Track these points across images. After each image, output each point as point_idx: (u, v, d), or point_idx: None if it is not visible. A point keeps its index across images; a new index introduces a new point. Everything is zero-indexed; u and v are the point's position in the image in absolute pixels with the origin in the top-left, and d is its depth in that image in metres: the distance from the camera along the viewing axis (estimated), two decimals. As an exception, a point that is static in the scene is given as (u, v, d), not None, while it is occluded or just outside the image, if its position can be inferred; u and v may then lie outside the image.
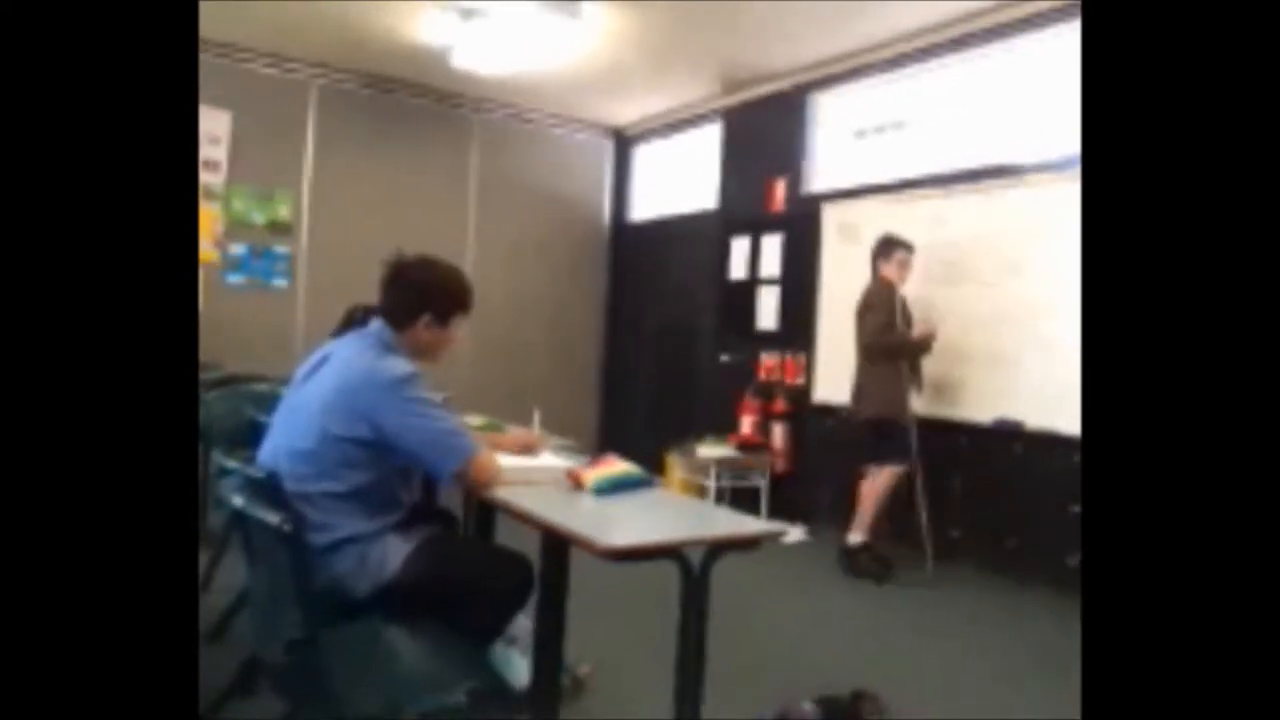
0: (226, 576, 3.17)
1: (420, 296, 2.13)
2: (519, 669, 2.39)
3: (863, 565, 4.31)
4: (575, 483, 2.16)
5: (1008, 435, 4.33)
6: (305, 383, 2.07)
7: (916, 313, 4.47)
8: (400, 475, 2.05)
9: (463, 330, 2.24)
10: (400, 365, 2.01)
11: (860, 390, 4.47)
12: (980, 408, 4.46)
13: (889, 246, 4.45)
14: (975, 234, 4.54)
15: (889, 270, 4.41)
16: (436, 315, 2.14)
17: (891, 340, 4.31)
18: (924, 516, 4.38)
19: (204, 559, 3.37)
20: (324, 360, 2.09)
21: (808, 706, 2.47)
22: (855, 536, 4.38)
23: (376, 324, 2.13)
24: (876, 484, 4.37)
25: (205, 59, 5.70)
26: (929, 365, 4.54)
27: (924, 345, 4.38)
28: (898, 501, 4.41)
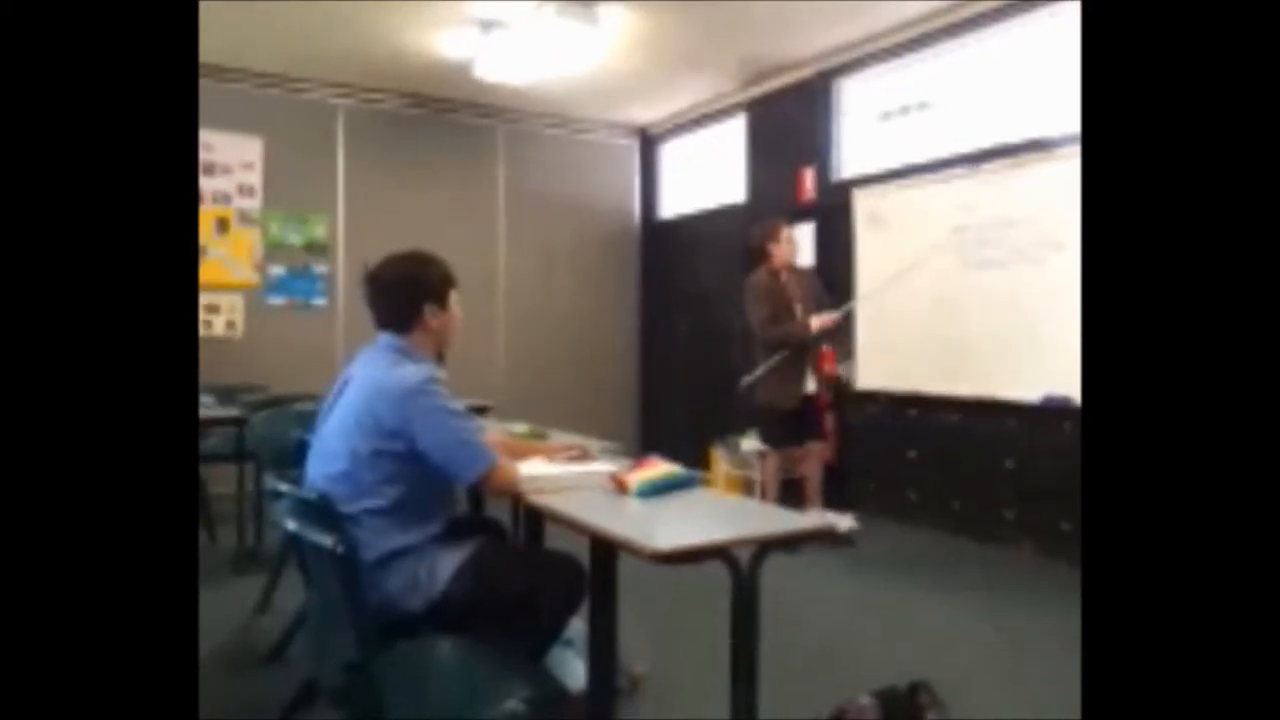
0: (284, 598, 3.24)
1: (414, 290, 2.15)
2: (576, 671, 2.40)
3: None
4: (619, 487, 2.17)
5: (1056, 414, 4.25)
6: (332, 409, 2.11)
7: (803, 289, 4.65)
8: (437, 484, 2.07)
9: (459, 305, 2.25)
10: (416, 372, 2.03)
11: (756, 377, 4.61)
12: (1027, 387, 4.38)
13: (773, 227, 4.62)
14: (1012, 211, 4.47)
15: (779, 251, 4.56)
16: (436, 300, 2.16)
17: (774, 334, 4.49)
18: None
19: (261, 581, 3.45)
20: (345, 384, 2.12)
21: (866, 700, 2.45)
22: None
23: (384, 336, 2.15)
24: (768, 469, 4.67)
25: (233, 87, 5.83)
26: (971, 346, 4.49)
27: (808, 334, 4.50)
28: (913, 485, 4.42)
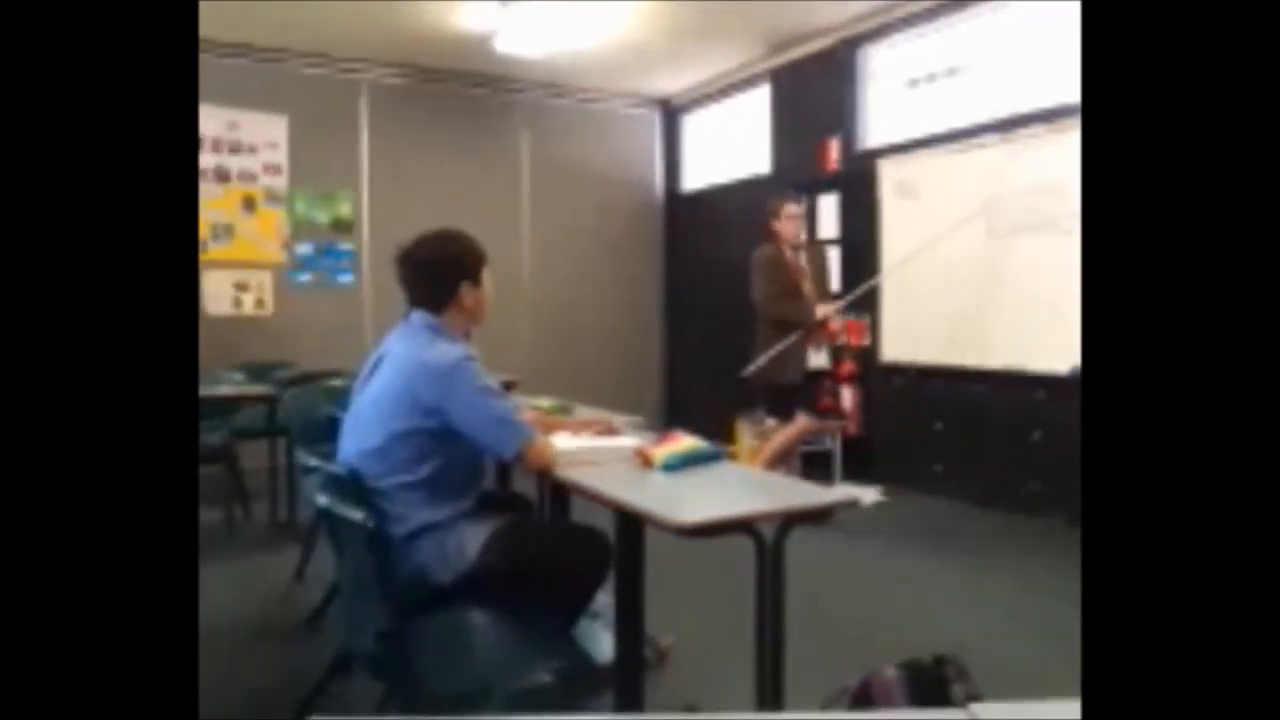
0: (318, 569, 3.30)
1: (450, 269, 2.15)
2: (603, 643, 2.43)
3: None
4: (644, 460, 2.18)
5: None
6: (366, 386, 2.12)
7: (813, 267, 4.55)
8: (469, 461, 2.09)
9: (491, 282, 2.25)
10: (453, 351, 2.04)
11: (756, 352, 4.50)
12: (1054, 359, 4.34)
13: (777, 204, 4.50)
14: (1043, 180, 4.39)
15: (782, 228, 4.46)
16: (471, 279, 2.17)
17: (778, 310, 4.40)
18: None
19: (295, 553, 3.52)
20: (379, 361, 2.14)
21: (891, 672, 2.46)
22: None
23: (418, 314, 2.15)
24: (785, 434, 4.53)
25: (256, 66, 5.85)
26: (998, 318, 4.44)
27: (810, 323, 4.40)
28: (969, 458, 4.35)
